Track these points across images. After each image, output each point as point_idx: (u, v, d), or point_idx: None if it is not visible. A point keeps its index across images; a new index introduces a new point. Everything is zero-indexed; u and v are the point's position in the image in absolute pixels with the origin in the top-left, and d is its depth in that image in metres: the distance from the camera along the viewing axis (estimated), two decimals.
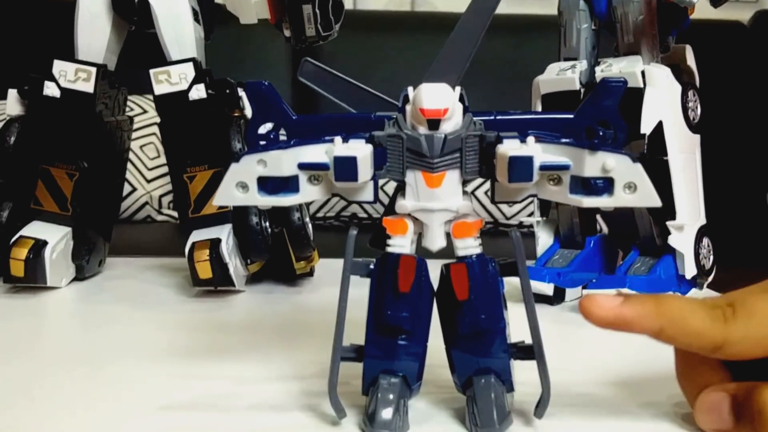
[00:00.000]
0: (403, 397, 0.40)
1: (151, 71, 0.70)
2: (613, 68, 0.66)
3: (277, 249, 0.70)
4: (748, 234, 1.52)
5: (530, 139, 0.38)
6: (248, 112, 0.73)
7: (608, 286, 0.63)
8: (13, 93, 0.72)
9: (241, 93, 0.72)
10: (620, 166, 0.37)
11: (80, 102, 0.71)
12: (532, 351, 0.39)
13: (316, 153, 0.39)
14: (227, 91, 0.71)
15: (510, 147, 0.38)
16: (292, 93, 1.92)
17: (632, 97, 0.64)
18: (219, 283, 0.68)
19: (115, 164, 0.79)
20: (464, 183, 0.41)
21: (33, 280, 0.69)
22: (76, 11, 0.71)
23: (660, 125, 0.64)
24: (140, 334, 0.59)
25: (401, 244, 0.40)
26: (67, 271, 0.73)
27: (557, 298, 0.68)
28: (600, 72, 0.66)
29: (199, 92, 0.69)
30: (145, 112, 1.57)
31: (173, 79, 0.70)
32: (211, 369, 0.49)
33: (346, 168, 0.38)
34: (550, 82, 0.69)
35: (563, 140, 0.38)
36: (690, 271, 0.65)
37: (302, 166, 0.39)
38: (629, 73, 0.64)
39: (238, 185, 0.39)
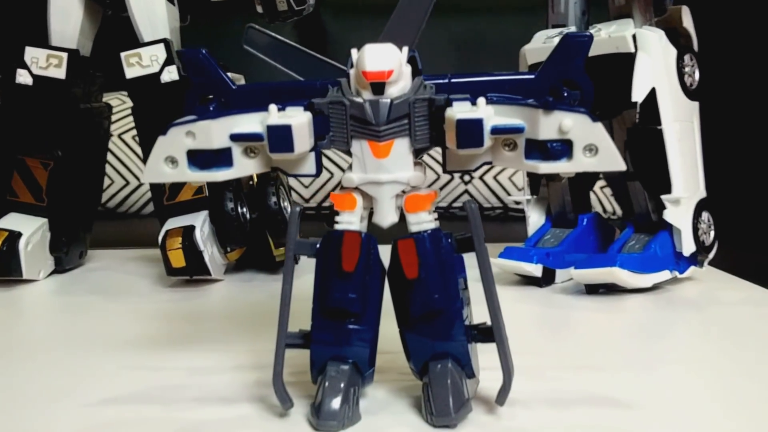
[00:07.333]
0: (353, 385, 0.37)
1: (122, 54, 0.67)
2: (602, 33, 0.62)
3: (255, 236, 0.68)
4: (756, 208, 1.39)
5: (481, 100, 0.35)
6: None
7: (598, 265, 0.60)
8: None
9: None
10: (578, 126, 0.33)
11: (53, 89, 0.68)
12: (492, 333, 0.36)
13: (250, 122, 0.36)
14: None
15: (459, 110, 0.35)
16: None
17: (623, 63, 0.61)
18: (194, 272, 0.66)
19: (93, 153, 0.77)
20: (418, 153, 0.38)
21: (7, 272, 0.67)
22: None
23: (653, 92, 0.61)
24: (106, 326, 0.56)
25: (349, 220, 0.37)
26: (45, 263, 0.71)
27: (546, 280, 0.64)
28: None
29: (171, 74, 0.67)
30: None
31: (144, 61, 0.67)
32: (167, 360, 0.47)
33: (280, 138, 0.35)
34: (536, 50, 0.65)
35: (517, 100, 0.35)
36: (688, 247, 0.62)
37: (235, 138, 0.36)
38: (619, 37, 0.61)
39: (167, 160, 0.36)
